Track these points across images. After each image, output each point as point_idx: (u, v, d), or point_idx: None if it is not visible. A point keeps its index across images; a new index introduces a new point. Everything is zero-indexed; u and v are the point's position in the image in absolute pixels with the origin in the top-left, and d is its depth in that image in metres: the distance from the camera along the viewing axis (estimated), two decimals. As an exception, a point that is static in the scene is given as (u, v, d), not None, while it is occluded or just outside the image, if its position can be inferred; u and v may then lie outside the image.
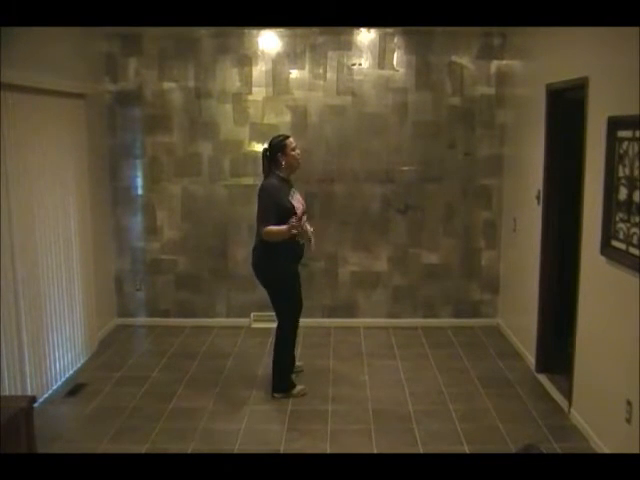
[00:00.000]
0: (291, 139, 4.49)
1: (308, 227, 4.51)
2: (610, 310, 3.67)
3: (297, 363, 4.92)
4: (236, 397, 4.58)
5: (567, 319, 4.35)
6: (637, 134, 3.31)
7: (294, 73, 5.84)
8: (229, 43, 5.79)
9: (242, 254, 5.98)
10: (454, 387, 4.72)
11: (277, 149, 4.43)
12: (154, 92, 5.85)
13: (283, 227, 4.23)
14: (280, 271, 4.43)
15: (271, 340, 5.61)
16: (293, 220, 4.20)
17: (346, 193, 5.97)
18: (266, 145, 4.52)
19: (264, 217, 4.30)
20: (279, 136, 4.57)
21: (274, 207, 4.29)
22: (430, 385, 4.77)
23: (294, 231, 4.24)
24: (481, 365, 5.14)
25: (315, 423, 4.19)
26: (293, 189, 4.51)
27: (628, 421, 3.39)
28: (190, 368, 5.09)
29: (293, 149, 4.46)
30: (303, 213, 4.39)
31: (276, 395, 4.56)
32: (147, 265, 6.07)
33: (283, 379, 4.59)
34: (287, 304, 4.54)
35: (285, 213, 4.29)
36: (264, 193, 4.37)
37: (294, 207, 4.35)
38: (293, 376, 4.72)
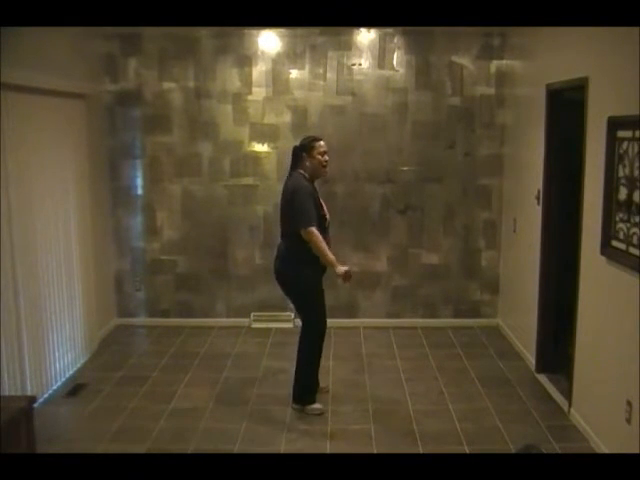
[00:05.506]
0: (322, 142, 4.21)
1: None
2: (610, 310, 3.67)
3: (321, 385, 4.57)
4: (236, 397, 4.58)
5: (567, 319, 4.36)
6: (637, 134, 3.31)
7: (294, 73, 5.84)
8: (229, 43, 5.79)
9: (242, 254, 5.99)
10: (454, 387, 4.72)
11: (302, 148, 4.20)
12: (154, 92, 5.85)
13: (334, 260, 4.04)
14: (307, 282, 4.20)
15: (270, 340, 5.68)
16: (348, 269, 4.06)
17: (346, 193, 5.97)
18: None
19: (307, 217, 4.01)
20: (310, 136, 4.34)
21: (314, 207, 4.06)
22: (430, 385, 4.77)
23: (341, 275, 4.04)
24: (481, 365, 5.14)
25: (315, 423, 4.19)
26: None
27: (628, 421, 3.39)
28: (190, 368, 5.09)
29: (321, 153, 4.18)
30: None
31: (294, 406, 4.35)
32: (147, 265, 6.07)
33: (303, 392, 4.34)
34: (315, 314, 4.27)
35: (320, 216, 4.11)
36: (301, 192, 4.06)
37: (325, 214, 4.20)
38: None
